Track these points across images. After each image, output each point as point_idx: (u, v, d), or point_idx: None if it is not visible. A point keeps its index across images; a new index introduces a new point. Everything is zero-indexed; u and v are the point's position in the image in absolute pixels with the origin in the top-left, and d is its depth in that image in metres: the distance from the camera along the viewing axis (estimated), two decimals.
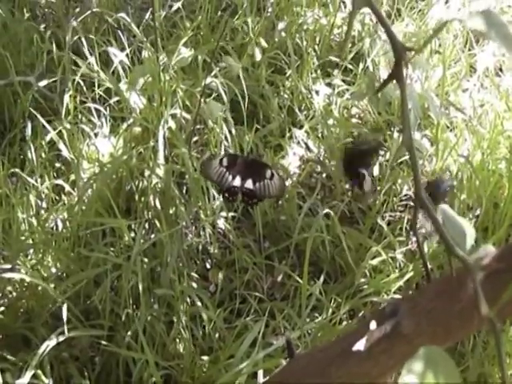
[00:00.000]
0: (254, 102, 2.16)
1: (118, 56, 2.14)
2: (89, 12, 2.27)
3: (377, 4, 0.84)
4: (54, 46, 2.24)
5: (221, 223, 1.90)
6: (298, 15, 2.43)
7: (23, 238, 1.84)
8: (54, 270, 1.81)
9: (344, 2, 2.54)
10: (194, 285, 1.73)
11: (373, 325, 0.64)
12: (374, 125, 2.11)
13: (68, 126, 2.07)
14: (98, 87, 2.18)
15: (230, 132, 1.99)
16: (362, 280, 1.71)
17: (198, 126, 2.10)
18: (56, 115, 2.17)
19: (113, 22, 2.30)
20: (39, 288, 1.68)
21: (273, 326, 1.63)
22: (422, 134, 2.02)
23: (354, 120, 2.18)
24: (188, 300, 1.68)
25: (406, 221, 1.87)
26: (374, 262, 1.71)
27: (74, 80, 2.13)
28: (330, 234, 1.79)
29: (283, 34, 2.40)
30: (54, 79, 2.17)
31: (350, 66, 2.28)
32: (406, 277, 1.69)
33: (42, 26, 2.53)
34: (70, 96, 2.09)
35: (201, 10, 2.48)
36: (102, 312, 1.67)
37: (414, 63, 1.78)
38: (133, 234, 1.78)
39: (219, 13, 2.51)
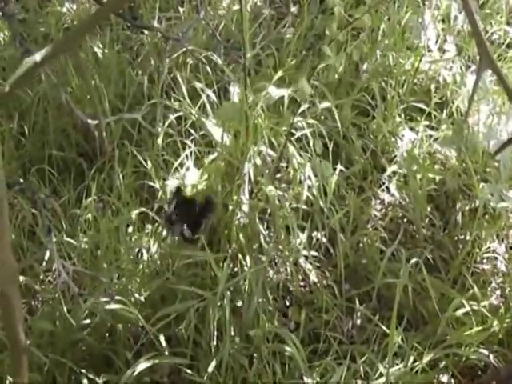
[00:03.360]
0: (337, 143, 2.18)
1: (206, 91, 2.21)
2: (183, 50, 2.35)
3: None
4: (145, 79, 2.33)
5: (301, 261, 1.92)
6: (383, 57, 2.45)
7: (110, 263, 1.91)
8: (137, 295, 1.86)
9: (428, 46, 2.56)
10: (275, 322, 1.75)
11: None
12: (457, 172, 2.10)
13: (155, 156, 2.14)
14: (185, 120, 2.24)
15: (313, 171, 2.00)
16: (444, 330, 1.70)
17: (281, 164, 2.13)
18: (143, 146, 2.25)
19: (203, 58, 2.37)
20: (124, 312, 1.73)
21: (354, 369, 1.64)
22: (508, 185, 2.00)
23: (436, 166, 2.18)
24: (269, 336, 1.70)
25: (489, 273, 1.86)
26: (458, 313, 1.70)
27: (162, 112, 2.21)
28: (411, 280, 1.79)
29: (366, 75, 2.43)
30: (144, 111, 2.25)
31: (434, 112, 2.28)
32: (490, 331, 1.67)
33: (131, 57, 2.63)
34: (161, 131, 2.15)
35: (286, 49, 2.53)
36: (185, 341, 1.71)
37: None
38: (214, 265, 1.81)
39: (303, 52, 2.56)
